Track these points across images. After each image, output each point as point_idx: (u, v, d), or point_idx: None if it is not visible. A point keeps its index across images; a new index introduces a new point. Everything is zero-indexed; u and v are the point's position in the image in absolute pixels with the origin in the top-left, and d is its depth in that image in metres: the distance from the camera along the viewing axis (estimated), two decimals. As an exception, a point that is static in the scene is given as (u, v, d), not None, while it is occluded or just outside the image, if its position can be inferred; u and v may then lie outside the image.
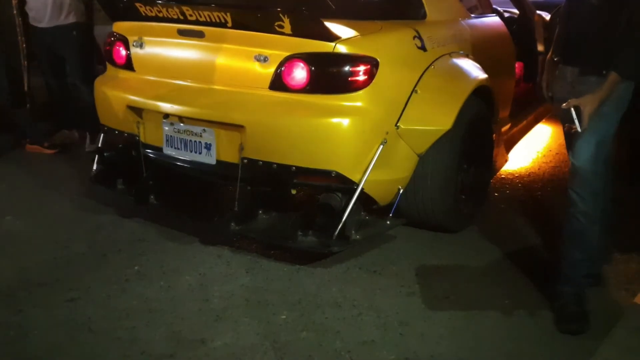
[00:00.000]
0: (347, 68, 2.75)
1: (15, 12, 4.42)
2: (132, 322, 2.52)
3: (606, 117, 2.36)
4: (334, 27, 2.79)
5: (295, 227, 2.84)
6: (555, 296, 2.59)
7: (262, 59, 2.83)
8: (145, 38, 3.22)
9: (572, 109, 2.30)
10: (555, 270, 2.61)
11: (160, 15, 3.02)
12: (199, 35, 2.96)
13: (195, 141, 3.02)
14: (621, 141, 2.53)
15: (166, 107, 3.06)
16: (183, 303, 2.66)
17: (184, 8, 2.91)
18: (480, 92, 3.29)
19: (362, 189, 2.81)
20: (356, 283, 2.83)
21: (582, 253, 2.50)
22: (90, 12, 4.62)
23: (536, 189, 4.09)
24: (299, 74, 2.78)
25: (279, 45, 2.78)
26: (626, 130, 2.55)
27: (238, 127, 2.87)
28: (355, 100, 2.77)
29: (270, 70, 2.82)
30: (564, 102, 2.37)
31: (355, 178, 2.80)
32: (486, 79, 3.31)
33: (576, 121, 2.31)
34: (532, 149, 4.87)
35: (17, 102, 4.69)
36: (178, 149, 3.09)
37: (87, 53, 4.61)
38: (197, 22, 2.92)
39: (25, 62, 4.55)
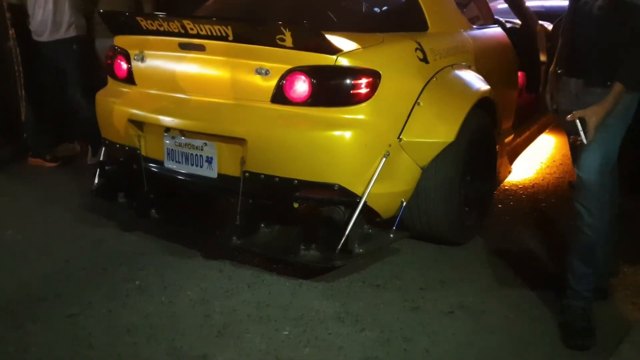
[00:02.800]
0: (349, 81, 2.74)
1: (12, 42, 4.45)
2: (132, 337, 2.49)
3: (612, 129, 2.34)
4: (336, 40, 2.78)
5: (297, 241, 2.81)
6: (562, 310, 2.55)
7: (264, 72, 2.81)
8: (147, 52, 3.21)
9: (578, 121, 2.28)
10: (562, 283, 2.58)
11: (162, 29, 3.01)
12: (200, 48, 2.96)
13: (196, 154, 3.01)
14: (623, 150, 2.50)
15: (167, 120, 3.05)
16: (184, 318, 2.63)
17: (185, 22, 2.90)
18: (483, 103, 3.28)
19: (365, 202, 2.79)
20: (359, 297, 2.80)
21: (588, 267, 2.47)
22: (91, 26, 4.63)
23: (540, 200, 4.06)
24: (301, 87, 2.77)
25: (281, 58, 2.77)
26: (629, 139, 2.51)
27: (239, 141, 2.85)
28: (357, 113, 2.75)
29: (272, 83, 2.81)
30: (569, 114, 2.35)
31: (358, 191, 2.78)
32: (489, 91, 3.29)
33: (582, 133, 2.28)
34: (536, 160, 4.85)
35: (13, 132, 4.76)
36: (179, 162, 3.08)
37: (87, 66, 4.61)
38: (198, 36, 2.91)
39: (23, 93, 4.57)
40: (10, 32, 4.46)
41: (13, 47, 4.48)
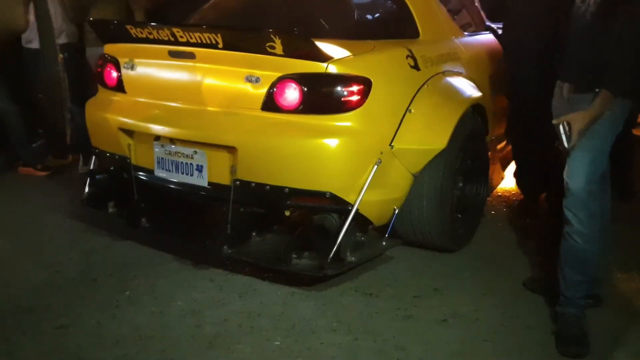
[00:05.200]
0: (339, 88, 2.72)
1: (60, 67, 4.48)
2: (122, 349, 2.46)
3: (599, 135, 2.33)
4: (326, 47, 2.77)
5: (289, 250, 2.79)
6: (555, 318, 2.54)
7: (254, 80, 2.80)
8: (137, 60, 3.19)
9: (561, 125, 2.27)
10: (556, 291, 2.56)
11: (151, 37, 3.00)
12: (190, 56, 2.94)
13: (186, 163, 2.98)
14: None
15: (157, 128, 3.03)
16: (175, 329, 2.60)
17: (175, 29, 2.89)
18: (475, 110, 3.27)
19: (357, 209, 2.77)
20: (352, 306, 2.78)
21: (580, 274, 2.45)
22: (81, 34, 4.61)
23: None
24: (291, 94, 2.75)
25: (271, 66, 2.76)
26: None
27: (230, 149, 2.83)
28: (348, 121, 2.74)
29: (262, 90, 2.80)
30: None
31: (349, 199, 2.77)
32: (480, 97, 3.29)
33: (563, 137, 2.27)
34: (529, 166, 4.83)
35: (60, 155, 4.85)
36: (169, 171, 3.05)
37: (78, 74, 4.59)
38: (187, 44, 2.90)
39: (69, 116, 4.61)
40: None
41: (62, 71, 4.57)
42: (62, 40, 4.48)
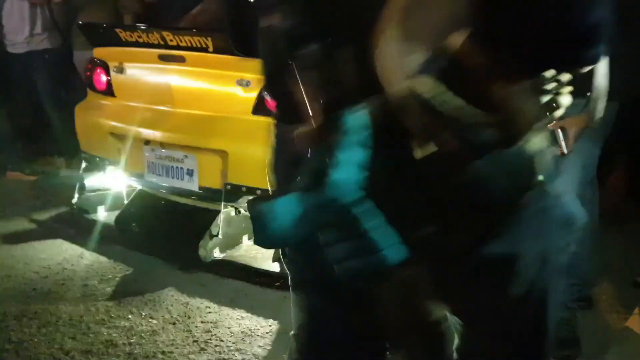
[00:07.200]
0: (330, 91, 2.72)
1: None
2: (112, 355, 2.44)
3: (590, 139, 2.33)
4: (317, 50, 2.77)
5: (281, 254, 2.78)
6: (546, 321, 2.54)
7: (245, 84, 2.80)
8: (126, 63, 3.19)
9: (559, 130, 2.27)
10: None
11: (141, 40, 2.99)
12: (180, 60, 2.94)
13: (177, 167, 2.97)
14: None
15: (147, 133, 3.02)
16: (165, 334, 2.58)
17: (165, 33, 2.89)
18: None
19: (349, 213, 2.76)
20: (343, 310, 2.77)
21: (572, 277, 2.46)
22: (68, 38, 4.58)
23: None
24: (282, 98, 2.75)
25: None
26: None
27: (220, 153, 2.83)
28: (339, 124, 2.74)
29: (253, 94, 2.80)
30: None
31: (341, 202, 2.76)
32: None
33: (562, 143, 2.27)
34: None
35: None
36: (160, 175, 3.04)
37: (58, 79, 4.56)
38: (178, 47, 2.90)
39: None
40: None
41: None
42: (44, 45, 4.44)
